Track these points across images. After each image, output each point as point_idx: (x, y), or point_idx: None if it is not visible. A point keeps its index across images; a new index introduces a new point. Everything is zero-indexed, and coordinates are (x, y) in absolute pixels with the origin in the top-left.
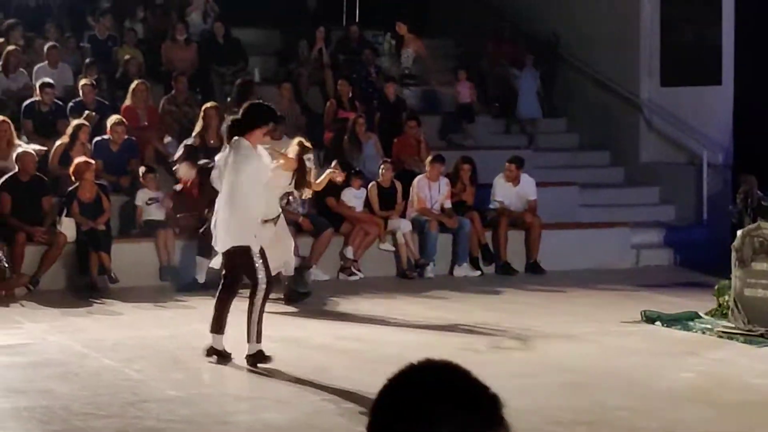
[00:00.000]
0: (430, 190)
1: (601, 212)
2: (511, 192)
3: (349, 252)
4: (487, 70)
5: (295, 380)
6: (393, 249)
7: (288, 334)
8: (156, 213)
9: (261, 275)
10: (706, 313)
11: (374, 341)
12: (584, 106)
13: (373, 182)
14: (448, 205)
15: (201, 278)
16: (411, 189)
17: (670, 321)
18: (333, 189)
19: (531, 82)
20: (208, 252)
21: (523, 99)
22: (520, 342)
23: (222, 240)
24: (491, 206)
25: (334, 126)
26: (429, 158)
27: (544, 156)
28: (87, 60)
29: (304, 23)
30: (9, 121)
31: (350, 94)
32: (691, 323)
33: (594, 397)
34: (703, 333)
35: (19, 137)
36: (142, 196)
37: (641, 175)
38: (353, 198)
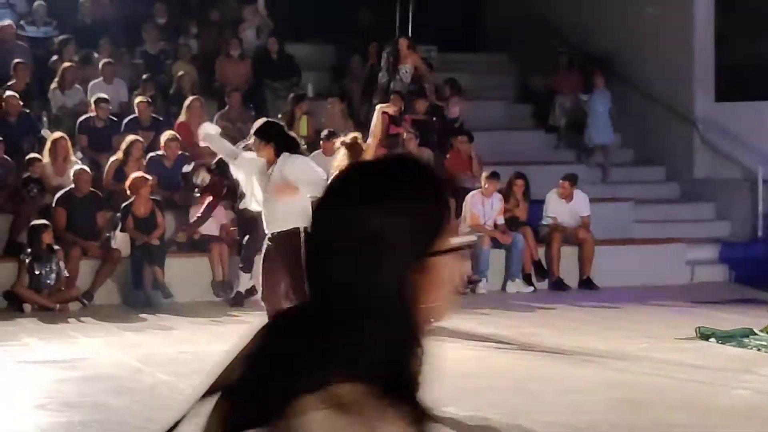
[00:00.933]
0: (483, 206)
1: (656, 228)
2: (564, 208)
3: None
4: (541, 90)
5: None
6: None
7: None
8: (210, 228)
9: None
10: (761, 330)
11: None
12: (638, 122)
13: None
14: (501, 221)
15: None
16: (464, 205)
17: (724, 338)
18: None
19: (603, 105)
20: (251, 264)
21: (594, 125)
22: (574, 358)
23: None
24: (544, 222)
25: (386, 142)
26: (485, 174)
27: (598, 171)
28: (144, 76)
29: (356, 38)
30: (67, 137)
31: (402, 109)
32: (746, 340)
33: (649, 414)
34: (758, 350)
35: (74, 153)
36: (198, 212)
37: (696, 190)
38: None
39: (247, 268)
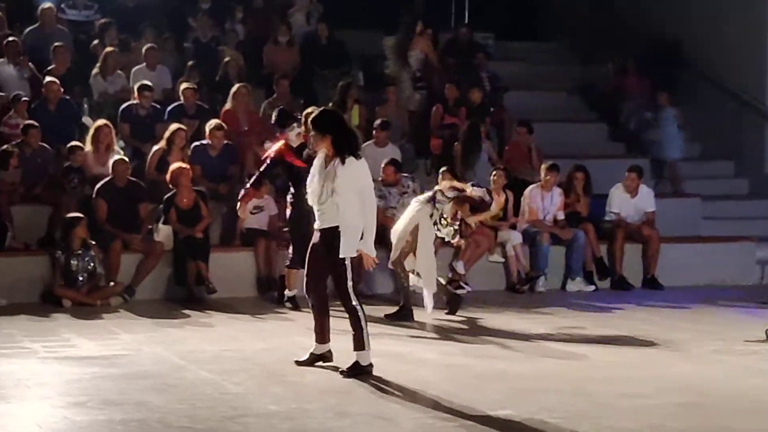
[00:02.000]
0: (543, 201)
1: (724, 225)
2: (628, 203)
3: (460, 266)
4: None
5: (398, 396)
6: (503, 260)
7: (391, 349)
8: (258, 222)
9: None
10: None
11: (481, 357)
12: (707, 114)
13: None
14: (561, 216)
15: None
16: (522, 199)
17: None
18: None
19: (671, 124)
20: (299, 263)
21: (663, 141)
22: (636, 360)
23: None
24: (607, 218)
25: (440, 132)
26: (544, 166)
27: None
28: (189, 63)
29: (410, 25)
30: (110, 125)
31: (457, 98)
32: None
33: (715, 419)
34: None
35: (116, 141)
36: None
37: (766, 186)
38: None
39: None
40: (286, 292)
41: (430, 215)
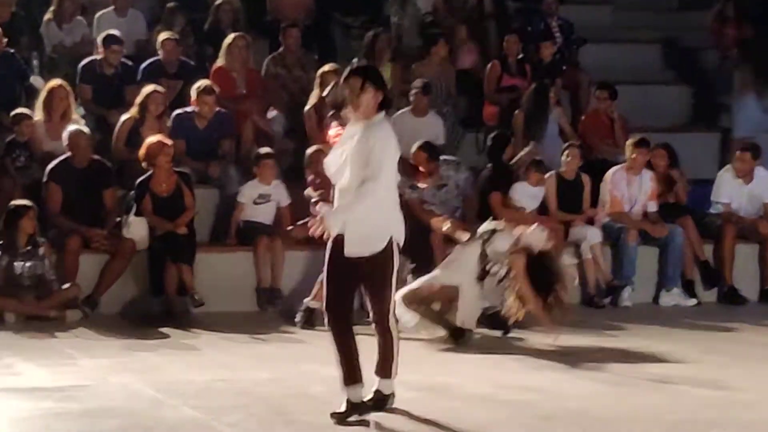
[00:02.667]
0: (630, 187)
1: None
2: (741, 191)
3: None
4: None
5: None
6: (575, 262)
7: (435, 381)
8: (263, 215)
9: None
10: None
11: (549, 392)
12: None
13: (553, 172)
14: (653, 208)
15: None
16: (603, 185)
17: None
18: (500, 183)
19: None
20: None
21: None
22: (752, 397)
23: None
24: (713, 210)
25: (497, 97)
26: (630, 141)
27: None
28: (170, 4)
29: None
30: (67, 87)
31: (519, 55)
32: None
33: None
34: None
35: (75, 108)
36: (250, 192)
37: None
38: (527, 197)
39: None
40: (307, 301)
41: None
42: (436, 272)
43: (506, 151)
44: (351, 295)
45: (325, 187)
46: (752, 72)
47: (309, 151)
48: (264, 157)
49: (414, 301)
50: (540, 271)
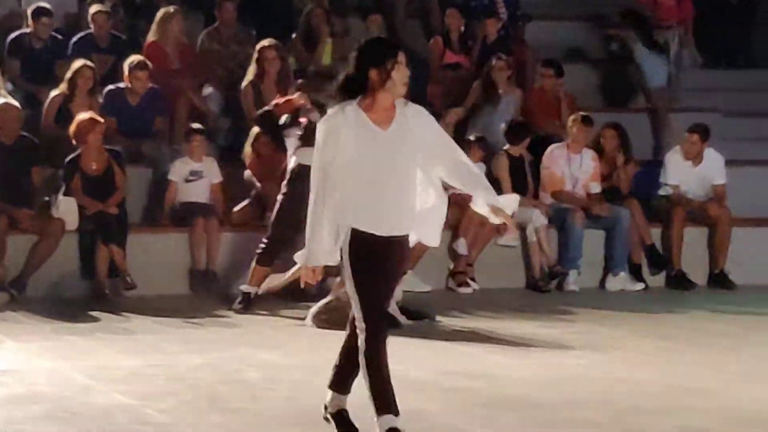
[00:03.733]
0: (570, 166)
1: None
2: (690, 173)
3: (461, 246)
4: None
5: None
6: (516, 243)
7: None
8: (197, 193)
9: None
10: None
11: (491, 378)
12: None
13: (503, 152)
14: (596, 188)
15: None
16: (542, 164)
17: None
18: None
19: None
20: (270, 259)
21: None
22: (700, 384)
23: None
24: (661, 192)
25: (441, 75)
26: (572, 118)
27: (737, 124)
28: None
29: None
30: None
31: (462, 29)
32: None
33: None
34: None
35: (3, 84)
36: (181, 169)
37: None
38: None
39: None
40: (244, 288)
41: None
42: None
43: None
44: None
45: (266, 169)
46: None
47: (255, 130)
48: (194, 133)
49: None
50: None
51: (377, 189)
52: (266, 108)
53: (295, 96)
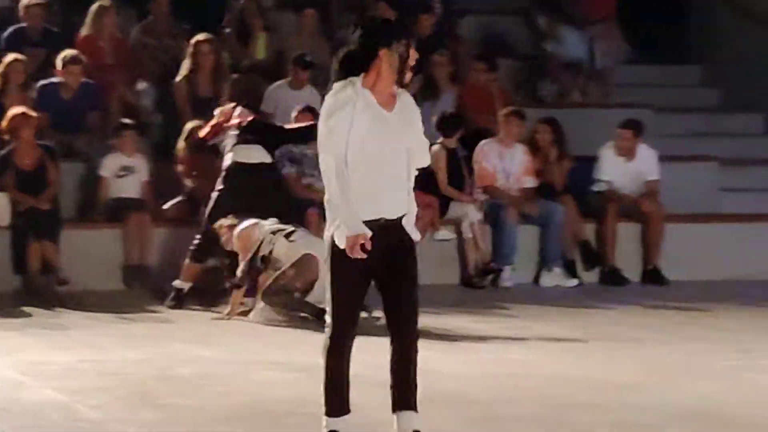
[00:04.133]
0: (502, 160)
1: (752, 199)
2: (623, 169)
3: None
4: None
5: (318, 425)
6: (451, 237)
7: (310, 361)
8: (129, 189)
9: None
10: None
11: (426, 374)
12: (729, 50)
13: (439, 144)
14: (529, 183)
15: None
16: (474, 158)
17: None
18: None
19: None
20: (205, 255)
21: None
22: (633, 379)
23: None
24: (595, 188)
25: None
26: (503, 112)
27: (670, 120)
28: None
29: None
30: None
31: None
32: None
33: None
34: None
35: None
36: (111, 164)
37: None
38: None
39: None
40: (177, 283)
41: None
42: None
43: None
44: None
45: (200, 164)
46: None
47: (188, 126)
48: (124, 128)
49: (276, 293)
50: None
51: (379, 172)
52: (196, 139)
53: (216, 119)
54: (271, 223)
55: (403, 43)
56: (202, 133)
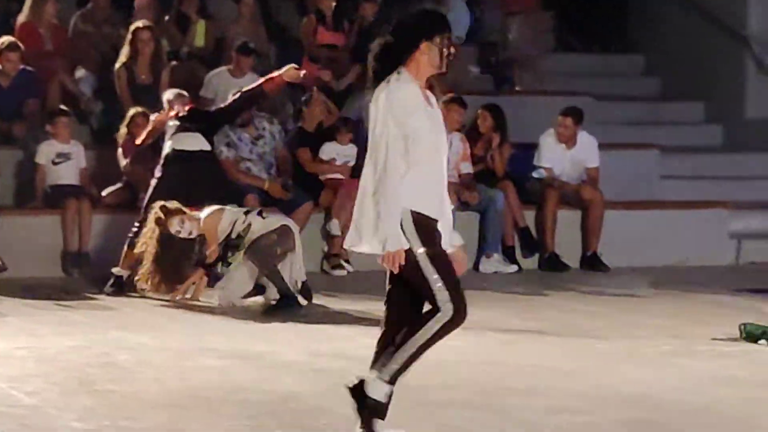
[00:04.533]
0: None
1: (690, 187)
2: (563, 156)
3: (334, 227)
4: None
5: (253, 411)
6: None
7: (248, 348)
8: (67, 176)
9: (441, 296)
10: None
11: (362, 360)
12: (670, 40)
13: None
14: (467, 169)
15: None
16: None
17: None
18: (308, 141)
19: None
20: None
21: None
22: (570, 365)
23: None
24: (535, 175)
25: (315, 54)
26: (442, 99)
27: (611, 108)
28: None
29: None
30: None
31: (333, 8)
32: None
33: None
34: None
35: None
36: (47, 151)
37: (747, 136)
38: (338, 156)
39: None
40: (116, 270)
41: None
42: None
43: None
44: None
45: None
46: None
47: (131, 112)
48: (59, 114)
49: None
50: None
51: (435, 170)
52: (137, 145)
53: (151, 125)
54: (233, 206)
55: (446, 36)
56: (138, 141)
